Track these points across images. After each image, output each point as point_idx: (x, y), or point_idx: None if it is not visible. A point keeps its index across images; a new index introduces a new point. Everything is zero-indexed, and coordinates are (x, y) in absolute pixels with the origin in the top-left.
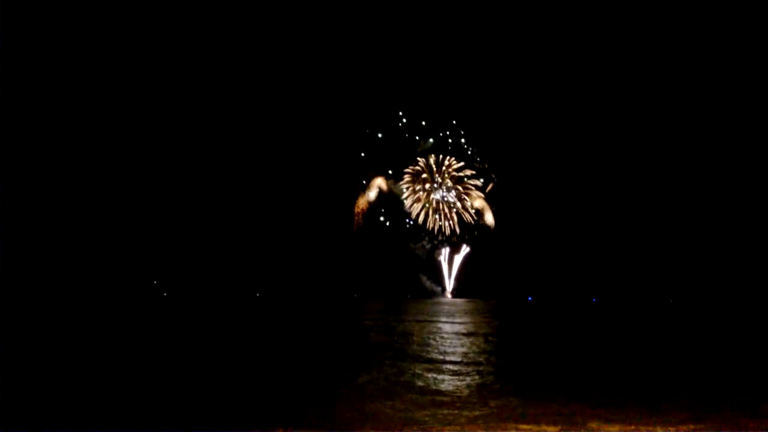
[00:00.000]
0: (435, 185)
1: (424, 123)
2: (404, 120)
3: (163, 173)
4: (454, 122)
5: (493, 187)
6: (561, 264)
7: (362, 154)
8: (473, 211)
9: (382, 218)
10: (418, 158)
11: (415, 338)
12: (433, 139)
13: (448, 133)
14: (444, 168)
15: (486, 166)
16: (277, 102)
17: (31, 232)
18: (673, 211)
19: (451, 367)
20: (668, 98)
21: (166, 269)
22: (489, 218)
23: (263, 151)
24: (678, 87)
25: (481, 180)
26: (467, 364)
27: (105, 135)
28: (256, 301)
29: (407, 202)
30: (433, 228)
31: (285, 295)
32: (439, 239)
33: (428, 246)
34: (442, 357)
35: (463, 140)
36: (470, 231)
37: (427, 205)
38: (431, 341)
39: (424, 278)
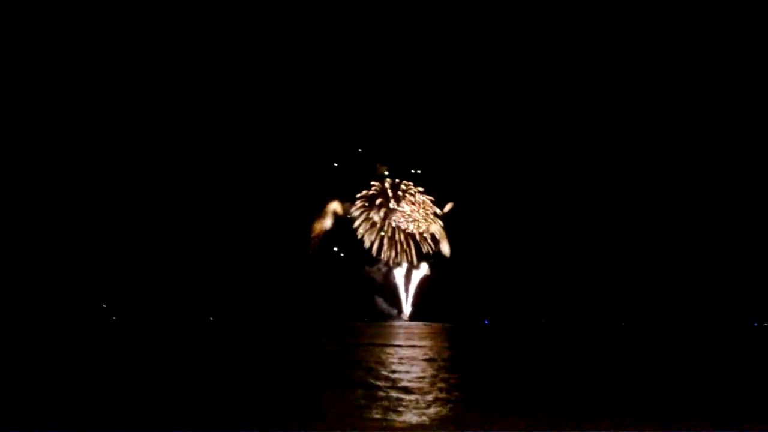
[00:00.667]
0: (390, 210)
1: (380, 150)
2: (360, 149)
3: (115, 195)
4: (410, 149)
5: (450, 209)
6: (515, 288)
7: (317, 179)
8: (430, 236)
9: (336, 244)
10: (373, 183)
11: (374, 365)
12: (389, 165)
13: (404, 160)
14: (400, 192)
15: (434, 196)
16: (232, 126)
17: None
18: (622, 235)
19: (411, 396)
20: (623, 126)
21: (116, 292)
22: (445, 247)
23: (218, 175)
24: (638, 110)
25: (437, 210)
26: (426, 391)
27: (58, 153)
28: (210, 324)
29: (360, 230)
30: (389, 255)
31: (240, 318)
32: (394, 263)
33: (384, 269)
34: (402, 384)
35: (418, 170)
36: (426, 257)
37: (382, 233)
38: (388, 368)
39: (380, 301)
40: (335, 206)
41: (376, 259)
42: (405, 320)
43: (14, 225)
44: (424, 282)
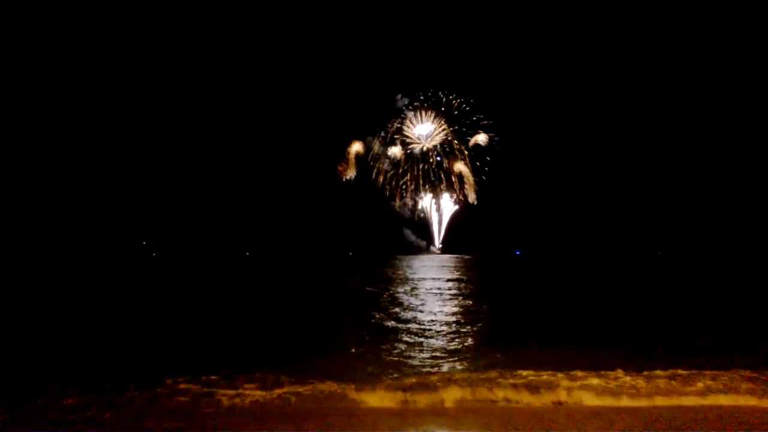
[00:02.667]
0: (410, 142)
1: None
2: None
3: (153, 138)
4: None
5: (479, 141)
6: (549, 218)
7: (340, 120)
8: (457, 175)
9: (360, 183)
10: (394, 120)
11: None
12: (411, 97)
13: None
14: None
15: (472, 119)
16: (264, 71)
17: (18, 192)
18: (658, 165)
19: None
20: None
21: (155, 230)
22: (471, 195)
23: (251, 120)
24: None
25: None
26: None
27: (96, 94)
28: (246, 260)
29: (381, 167)
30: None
31: (274, 254)
32: (417, 195)
33: (410, 202)
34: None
35: (444, 96)
36: (454, 193)
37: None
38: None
39: (408, 233)
40: (357, 147)
41: (402, 195)
42: (436, 253)
43: (58, 164)
44: (455, 214)
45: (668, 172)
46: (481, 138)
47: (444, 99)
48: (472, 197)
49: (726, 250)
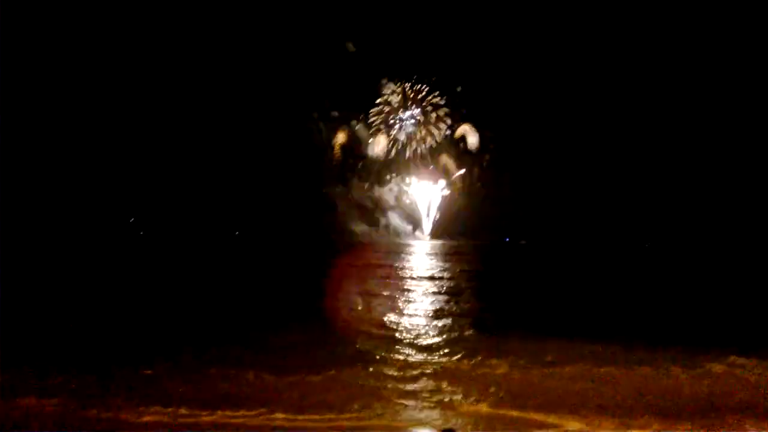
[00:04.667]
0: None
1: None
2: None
3: (143, 112)
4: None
5: (474, 146)
6: (538, 207)
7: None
8: (442, 166)
9: (348, 162)
10: (378, 102)
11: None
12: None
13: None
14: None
15: (462, 111)
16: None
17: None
18: (649, 152)
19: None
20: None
21: (143, 207)
22: (456, 186)
23: (239, 98)
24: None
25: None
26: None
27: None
28: (235, 239)
29: (374, 149)
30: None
31: (263, 234)
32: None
33: (396, 188)
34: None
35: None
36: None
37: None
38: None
39: (395, 218)
40: (341, 137)
41: (386, 180)
42: (424, 238)
43: (42, 142)
44: (442, 201)
45: (657, 166)
46: (472, 140)
47: (431, 86)
48: (456, 187)
49: (713, 243)
